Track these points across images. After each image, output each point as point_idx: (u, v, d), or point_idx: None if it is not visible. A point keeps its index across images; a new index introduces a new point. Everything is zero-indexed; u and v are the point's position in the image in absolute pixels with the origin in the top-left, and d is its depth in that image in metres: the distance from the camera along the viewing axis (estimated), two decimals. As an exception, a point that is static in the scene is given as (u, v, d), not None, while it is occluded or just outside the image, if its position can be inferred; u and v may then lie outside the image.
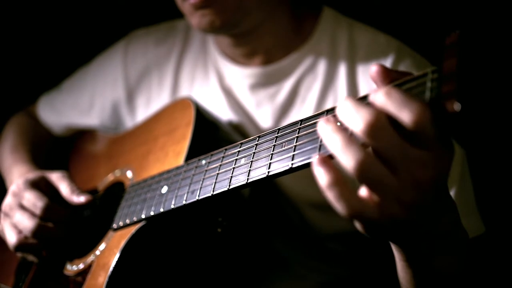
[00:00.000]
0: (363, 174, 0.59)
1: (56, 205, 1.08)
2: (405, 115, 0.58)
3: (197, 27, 1.09)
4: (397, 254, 0.75)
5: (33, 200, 1.06)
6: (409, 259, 0.73)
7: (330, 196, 0.61)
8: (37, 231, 1.05)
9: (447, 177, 0.66)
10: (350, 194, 0.61)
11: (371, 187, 0.60)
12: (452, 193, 1.02)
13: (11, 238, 1.07)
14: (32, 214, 1.06)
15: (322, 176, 0.61)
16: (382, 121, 0.58)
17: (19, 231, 1.06)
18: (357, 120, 0.59)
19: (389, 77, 0.67)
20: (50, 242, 1.08)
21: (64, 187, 1.10)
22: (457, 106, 0.54)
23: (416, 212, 0.62)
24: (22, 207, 1.07)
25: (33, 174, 1.13)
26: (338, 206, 0.61)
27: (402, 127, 0.59)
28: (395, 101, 0.59)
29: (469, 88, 0.55)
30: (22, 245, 1.07)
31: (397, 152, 0.59)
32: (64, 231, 1.08)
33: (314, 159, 0.61)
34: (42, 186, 1.11)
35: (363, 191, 0.63)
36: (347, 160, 0.59)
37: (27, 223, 1.05)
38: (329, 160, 0.61)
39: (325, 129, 0.62)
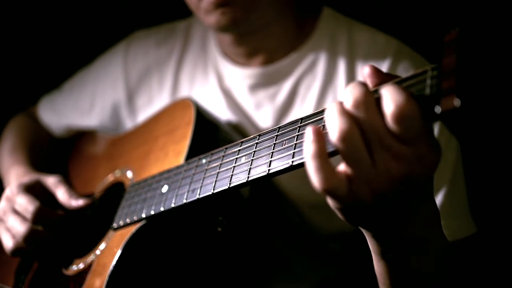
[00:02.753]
0: (344, 143, 0.61)
1: (49, 209, 1.08)
2: (388, 104, 0.59)
3: (216, 25, 1.08)
4: (370, 245, 0.76)
5: (25, 205, 1.06)
6: (381, 251, 0.74)
7: (311, 166, 0.62)
8: (29, 236, 1.05)
9: (429, 180, 0.67)
10: (329, 169, 0.62)
11: (348, 161, 0.62)
12: (442, 192, 1.03)
13: (7, 243, 1.07)
14: (24, 218, 1.06)
15: (309, 144, 0.63)
16: (369, 98, 0.61)
17: (13, 236, 1.07)
18: (349, 93, 0.62)
19: (380, 79, 0.68)
20: (43, 246, 1.08)
21: (61, 193, 1.10)
22: (457, 102, 0.54)
23: (382, 201, 0.64)
24: (15, 212, 1.07)
25: (27, 178, 1.13)
26: (316, 177, 0.62)
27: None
28: (387, 91, 0.60)
29: (469, 84, 0.55)
30: (18, 250, 1.07)
31: (376, 136, 0.61)
32: (59, 234, 1.08)
33: (309, 128, 0.63)
34: (36, 190, 1.11)
35: (341, 167, 0.65)
36: (335, 125, 0.61)
37: (19, 228, 1.05)
38: (322, 133, 0.63)
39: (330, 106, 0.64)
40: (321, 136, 0.63)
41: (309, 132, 0.63)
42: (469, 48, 0.58)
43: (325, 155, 0.62)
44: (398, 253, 0.73)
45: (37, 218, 1.06)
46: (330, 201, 0.66)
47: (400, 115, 0.58)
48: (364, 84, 0.63)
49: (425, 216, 0.71)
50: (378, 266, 0.78)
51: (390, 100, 0.59)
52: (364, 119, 0.61)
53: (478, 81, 0.55)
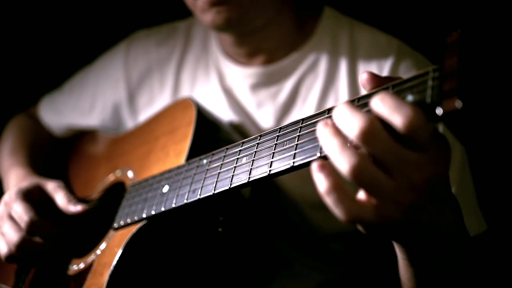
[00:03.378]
0: (359, 177, 0.60)
1: (44, 220, 1.07)
2: (396, 119, 0.59)
3: (211, 24, 1.08)
4: (399, 253, 0.75)
5: (20, 213, 1.06)
6: (411, 258, 0.74)
7: (329, 201, 0.62)
8: (21, 245, 1.05)
9: (447, 176, 0.67)
10: (348, 199, 0.61)
11: (367, 190, 0.61)
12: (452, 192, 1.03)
13: (2, 248, 1.07)
14: (19, 227, 1.06)
15: (321, 182, 0.61)
16: (375, 127, 0.59)
17: (7, 242, 1.07)
18: (351, 125, 0.60)
19: (378, 84, 0.68)
20: (35, 256, 1.08)
21: (60, 198, 1.10)
22: (458, 104, 0.54)
23: (413, 213, 0.63)
24: (11, 218, 1.07)
25: (26, 183, 1.13)
26: (337, 211, 0.61)
27: (396, 131, 0.60)
28: (388, 106, 0.60)
29: (470, 86, 0.55)
30: (11, 257, 1.07)
31: (391, 156, 0.60)
32: (52, 245, 1.08)
33: (314, 165, 0.62)
34: (35, 195, 1.10)
35: (361, 195, 0.64)
36: (343, 163, 0.60)
37: (12, 236, 1.05)
38: (328, 166, 0.62)
39: (323, 132, 0.63)
40: (329, 170, 0.61)
41: (315, 170, 0.62)
42: (471, 49, 0.58)
43: (339, 187, 0.61)
44: (427, 255, 0.72)
45: (31, 229, 1.05)
46: (360, 228, 0.65)
47: (411, 126, 0.58)
48: (360, 108, 0.62)
49: (450, 210, 0.70)
50: (406, 271, 0.77)
51: (396, 113, 0.59)
52: (376, 149, 0.60)
53: (480, 82, 0.55)
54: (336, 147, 0.61)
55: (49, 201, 1.11)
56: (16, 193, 1.09)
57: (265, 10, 1.12)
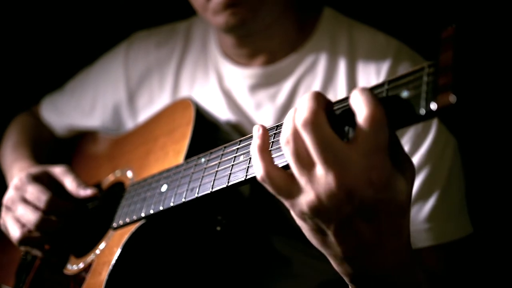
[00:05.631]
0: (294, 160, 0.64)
1: (59, 199, 1.08)
2: (362, 110, 0.60)
3: (225, 26, 1.08)
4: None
5: (37, 194, 1.07)
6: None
7: (254, 157, 0.68)
8: (41, 225, 1.05)
9: (399, 208, 0.65)
10: (269, 160, 0.67)
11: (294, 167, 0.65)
12: (437, 193, 1.03)
13: (15, 232, 1.07)
14: (35, 207, 1.06)
15: (255, 139, 0.68)
16: (319, 115, 0.63)
17: (23, 225, 1.06)
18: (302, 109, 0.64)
19: None
20: (53, 236, 1.08)
21: (69, 181, 1.11)
22: (452, 98, 0.54)
23: (318, 214, 0.68)
24: (25, 201, 1.07)
25: (35, 169, 1.14)
26: (256, 166, 0.68)
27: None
28: (362, 98, 0.61)
29: (465, 81, 0.55)
30: (26, 239, 1.07)
31: (326, 147, 0.62)
32: (67, 224, 1.09)
33: (260, 126, 0.69)
34: (44, 181, 1.11)
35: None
36: (287, 145, 0.64)
37: (30, 217, 1.05)
38: (267, 132, 0.69)
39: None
40: (266, 134, 0.68)
41: (256, 129, 0.68)
42: (466, 44, 0.57)
43: (267, 149, 0.68)
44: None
45: (49, 208, 1.06)
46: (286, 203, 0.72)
47: (372, 120, 0.59)
48: (317, 97, 0.65)
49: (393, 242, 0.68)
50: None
51: (364, 105, 0.60)
52: (313, 137, 0.62)
53: (475, 77, 0.55)
54: (288, 130, 0.64)
55: (57, 188, 1.11)
56: (26, 176, 1.10)
57: (273, 10, 1.12)
